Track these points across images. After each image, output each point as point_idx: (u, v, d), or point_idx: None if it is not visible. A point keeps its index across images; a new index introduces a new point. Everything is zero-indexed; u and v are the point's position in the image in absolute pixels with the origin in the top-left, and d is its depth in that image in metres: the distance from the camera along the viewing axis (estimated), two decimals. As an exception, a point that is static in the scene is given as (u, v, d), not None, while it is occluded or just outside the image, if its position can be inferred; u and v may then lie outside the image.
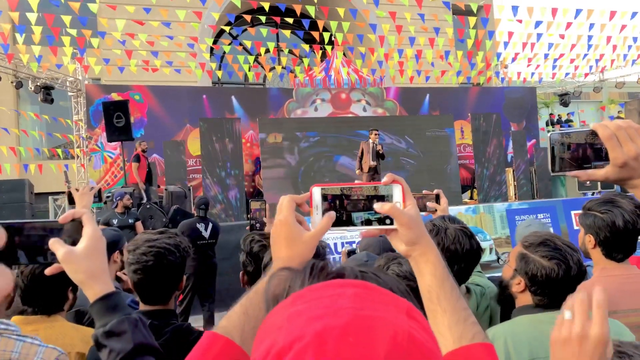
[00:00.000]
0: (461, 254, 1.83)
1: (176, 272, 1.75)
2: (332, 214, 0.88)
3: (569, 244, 1.71)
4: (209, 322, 6.77)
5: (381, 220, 0.90)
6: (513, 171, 12.80)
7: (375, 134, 10.41)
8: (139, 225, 7.67)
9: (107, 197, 8.48)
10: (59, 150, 16.10)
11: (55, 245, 1.04)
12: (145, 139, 13.13)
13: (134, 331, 1.11)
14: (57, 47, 12.28)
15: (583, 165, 1.00)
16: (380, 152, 10.38)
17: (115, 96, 12.69)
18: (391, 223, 0.89)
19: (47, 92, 12.93)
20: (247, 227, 2.87)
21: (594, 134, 0.99)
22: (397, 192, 0.90)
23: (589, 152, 1.00)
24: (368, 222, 0.90)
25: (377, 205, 0.88)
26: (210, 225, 6.92)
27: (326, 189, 0.90)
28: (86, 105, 13.40)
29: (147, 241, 1.74)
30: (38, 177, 13.04)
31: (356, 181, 0.96)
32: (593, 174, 1.01)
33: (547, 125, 22.55)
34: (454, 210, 9.74)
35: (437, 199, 2.40)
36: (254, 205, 2.83)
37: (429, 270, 0.90)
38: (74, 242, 1.08)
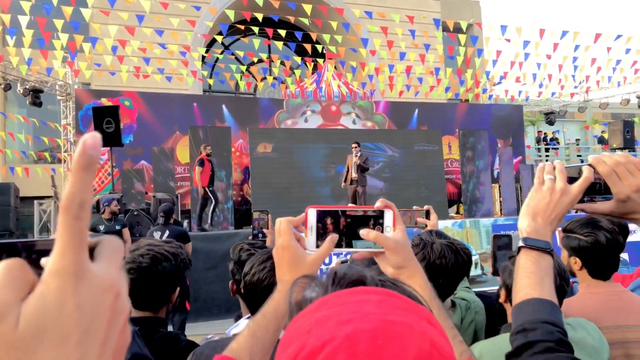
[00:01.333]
0: (447, 269, 1.85)
1: (169, 280, 1.75)
2: (335, 237, 0.90)
3: (556, 260, 1.73)
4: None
5: (372, 243, 0.93)
6: (499, 187, 12.92)
7: (353, 147, 10.64)
8: (125, 231, 7.59)
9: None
10: (46, 154, 15.94)
11: None
12: (134, 145, 13.09)
13: (131, 342, 1.13)
14: (47, 51, 12.22)
15: (583, 199, 1.05)
16: (358, 163, 10.58)
17: (105, 101, 12.63)
18: (381, 247, 0.92)
19: (35, 95, 12.83)
20: (250, 237, 2.82)
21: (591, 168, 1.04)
22: (388, 216, 0.93)
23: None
24: (360, 245, 0.93)
25: (363, 232, 0.91)
26: (167, 232, 6.78)
27: (321, 210, 0.92)
28: (75, 109, 13.31)
29: (148, 245, 1.77)
30: (24, 180, 12.89)
31: (349, 204, 0.99)
32: (597, 207, 1.06)
33: (536, 142, 22.89)
34: (441, 225, 9.74)
35: (427, 214, 2.43)
36: (257, 215, 2.80)
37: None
38: None
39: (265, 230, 2.76)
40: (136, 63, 13.69)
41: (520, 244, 1.03)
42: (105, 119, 9.96)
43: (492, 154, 14.12)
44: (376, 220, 0.93)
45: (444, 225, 9.64)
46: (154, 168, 11.82)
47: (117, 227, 7.51)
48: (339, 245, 0.92)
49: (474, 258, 9.01)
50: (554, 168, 1.05)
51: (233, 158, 11.76)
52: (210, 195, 10.25)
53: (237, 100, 16.69)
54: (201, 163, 10.17)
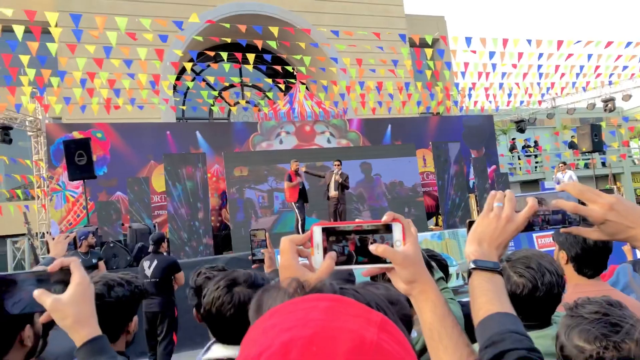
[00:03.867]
0: None
1: (123, 307, 1.69)
2: (333, 255, 0.88)
3: (551, 267, 1.74)
4: None
5: (381, 259, 0.91)
6: (475, 197, 13.04)
7: (336, 165, 10.75)
8: (101, 265, 7.46)
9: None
10: (19, 192, 15.61)
11: (42, 297, 1.12)
12: (109, 176, 12.92)
13: None
14: (15, 87, 12.05)
15: (532, 228, 1.11)
16: (340, 181, 10.64)
17: (76, 135, 12.46)
18: (390, 262, 0.91)
19: (5, 132, 12.60)
20: (250, 257, 2.73)
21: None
22: (397, 230, 0.91)
23: (555, 216, 1.11)
24: (369, 261, 0.91)
25: (372, 247, 0.89)
26: (155, 262, 6.68)
27: (326, 227, 0.90)
28: (47, 144, 13.10)
29: (102, 275, 1.75)
30: (-4, 219, 12.56)
31: (357, 219, 0.97)
32: (586, 232, 1.12)
33: (510, 151, 23.26)
34: (420, 237, 9.85)
35: None
36: (255, 234, 2.70)
37: (429, 307, 0.93)
38: (64, 289, 1.15)
39: (263, 250, 2.66)
40: (106, 95, 13.58)
41: (471, 266, 1.06)
42: (76, 152, 9.84)
43: (467, 164, 14.28)
44: (385, 235, 0.91)
45: (422, 237, 9.69)
46: (129, 198, 11.65)
47: (94, 261, 7.37)
48: (347, 262, 0.90)
49: (454, 268, 9.03)
50: (505, 196, 1.10)
51: (210, 183, 11.67)
52: (296, 211, 10.54)
53: (210, 126, 16.64)
54: (288, 178, 10.45)
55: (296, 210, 10.61)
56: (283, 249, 0.91)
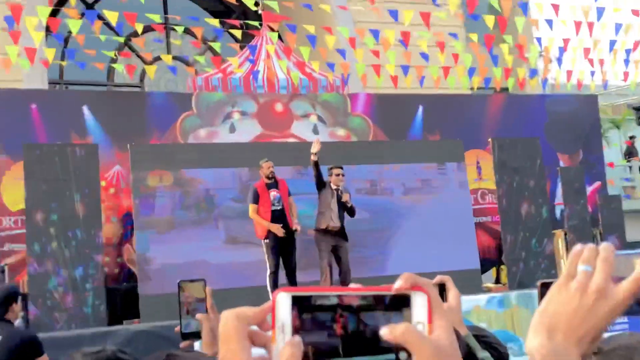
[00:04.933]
0: None
1: None
2: (297, 342, 0.85)
3: None
4: None
5: (391, 351, 0.88)
6: (565, 234, 13.13)
7: (338, 175, 10.71)
8: None
9: None
10: None
11: None
12: None
13: None
14: None
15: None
16: (349, 204, 10.58)
17: None
18: (409, 357, 0.88)
19: None
20: (176, 329, 2.70)
21: None
22: (419, 305, 0.90)
23: None
24: (368, 351, 0.88)
25: (384, 331, 0.86)
26: (0, 338, 6.72)
27: (299, 296, 0.88)
28: None
29: None
30: None
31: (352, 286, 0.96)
32: None
33: (626, 157, 23.42)
34: (469, 303, 9.79)
35: (441, 290, 2.39)
36: (188, 289, 2.67)
37: None
38: None
39: (200, 316, 2.61)
40: None
41: None
42: None
43: (551, 177, 14.38)
44: (398, 312, 0.89)
45: (473, 303, 9.64)
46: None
47: None
48: (333, 354, 0.87)
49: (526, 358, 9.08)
50: (597, 254, 1.09)
51: (103, 198, 11.63)
52: (267, 255, 10.47)
53: (109, 98, 16.59)
54: (254, 197, 10.42)
55: (266, 253, 10.60)
56: (225, 332, 0.87)
